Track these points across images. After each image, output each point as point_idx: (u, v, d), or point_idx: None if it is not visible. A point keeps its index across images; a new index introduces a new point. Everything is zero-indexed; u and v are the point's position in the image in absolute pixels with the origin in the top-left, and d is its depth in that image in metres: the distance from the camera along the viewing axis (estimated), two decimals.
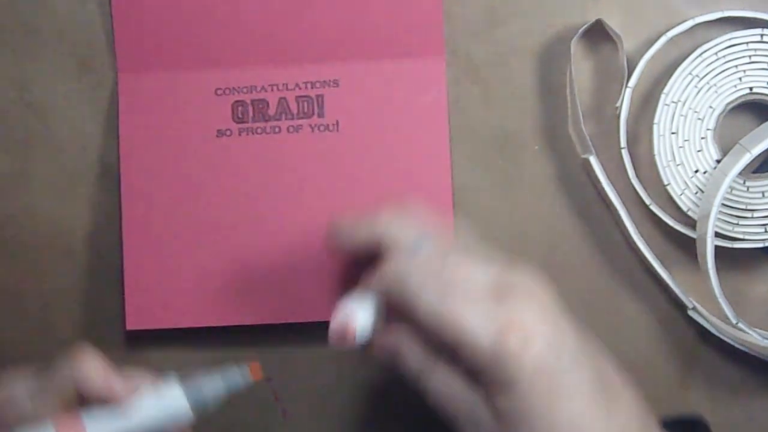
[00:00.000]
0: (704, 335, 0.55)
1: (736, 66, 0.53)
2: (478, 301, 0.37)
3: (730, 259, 0.55)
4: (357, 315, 0.42)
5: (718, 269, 0.52)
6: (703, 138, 0.54)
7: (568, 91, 0.55)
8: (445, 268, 0.39)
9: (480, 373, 0.37)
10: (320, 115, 0.55)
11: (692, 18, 0.54)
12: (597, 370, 0.39)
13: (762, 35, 0.53)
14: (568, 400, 0.37)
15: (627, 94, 0.54)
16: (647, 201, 0.55)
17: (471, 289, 0.38)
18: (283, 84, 0.55)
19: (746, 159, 0.51)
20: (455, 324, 0.37)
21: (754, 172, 0.55)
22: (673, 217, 0.55)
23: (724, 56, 0.53)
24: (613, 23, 0.55)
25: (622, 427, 0.38)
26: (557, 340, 0.38)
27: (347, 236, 0.42)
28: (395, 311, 0.41)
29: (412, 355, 0.40)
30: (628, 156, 0.55)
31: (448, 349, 0.38)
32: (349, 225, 0.42)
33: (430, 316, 0.38)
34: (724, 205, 0.53)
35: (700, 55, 0.53)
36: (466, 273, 0.38)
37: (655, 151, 0.54)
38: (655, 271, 0.55)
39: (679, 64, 0.53)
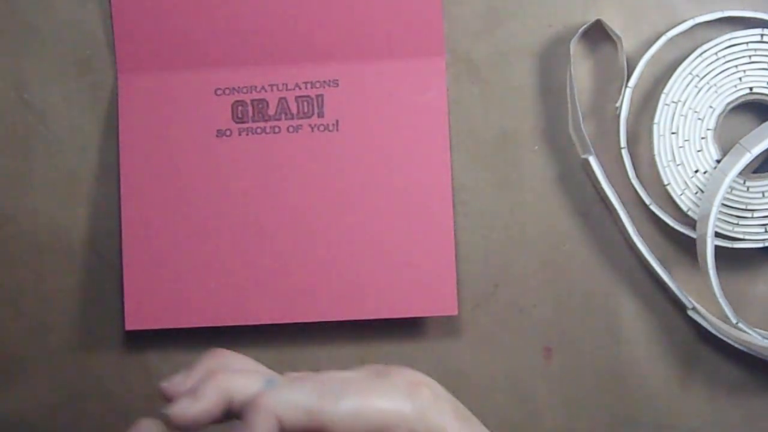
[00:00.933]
0: (704, 335, 0.55)
1: (736, 66, 0.53)
2: (372, 383, 0.38)
3: (730, 259, 0.55)
4: None
5: (718, 269, 0.52)
6: (703, 138, 0.54)
7: (568, 91, 0.55)
8: (323, 380, 0.38)
9: None
10: (320, 115, 0.55)
11: (692, 18, 0.54)
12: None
13: (762, 35, 0.53)
14: (471, 422, 0.39)
15: (627, 94, 0.54)
16: (647, 201, 0.55)
17: (358, 380, 0.38)
18: (283, 84, 0.55)
19: (746, 159, 0.51)
20: (376, 409, 0.37)
21: (754, 172, 0.55)
22: (673, 217, 0.55)
23: (724, 56, 0.53)
24: (613, 23, 0.55)
25: None
26: (442, 388, 0.40)
27: (195, 408, 0.38)
28: None
29: None
30: (628, 156, 0.55)
31: None
32: (188, 401, 0.40)
33: (346, 415, 0.37)
34: (724, 205, 0.53)
35: (700, 55, 0.53)
36: (342, 375, 0.39)
37: (655, 151, 0.54)
38: (655, 271, 0.55)
39: (679, 64, 0.53)
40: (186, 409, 0.38)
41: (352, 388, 0.37)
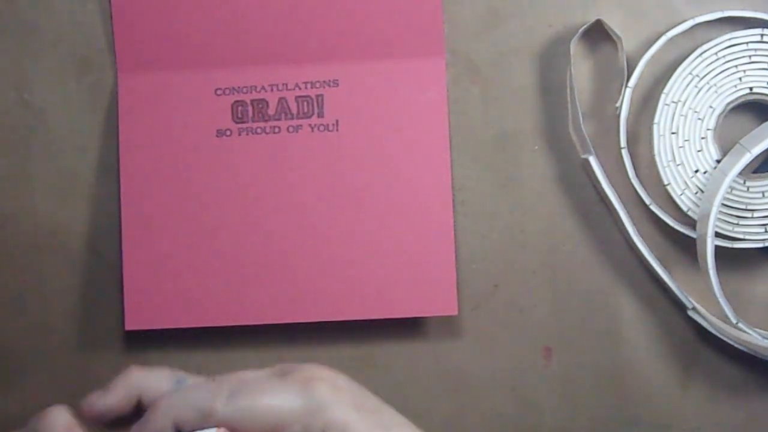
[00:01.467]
0: (704, 335, 0.55)
1: (736, 66, 0.53)
2: (266, 382, 0.39)
3: (730, 259, 0.55)
4: None
5: (718, 269, 0.52)
6: (703, 138, 0.54)
7: (568, 91, 0.55)
8: (222, 381, 0.39)
9: None
10: (320, 115, 0.55)
11: (692, 18, 0.54)
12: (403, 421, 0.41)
13: (762, 35, 0.53)
14: (377, 413, 0.39)
15: (627, 94, 0.54)
16: (647, 201, 0.55)
17: (255, 379, 0.39)
18: (283, 84, 0.55)
19: (746, 159, 0.51)
20: (266, 407, 0.38)
21: (754, 172, 0.55)
22: (673, 217, 0.55)
23: (724, 56, 0.53)
24: (613, 23, 0.55)
25: None
26: (356, 385, 0.40)
27: (103, 400, 0.40)
28: None
29: None
30: (628, 156, 0.55)
31: None
32: (100, 393, 0.41)
33: (237, 414, 0.38)
34: (724, 205, 0.53)
35: (700, 55, 0.53)
36: (242, 375, 0.40)
37: (655, 151, 0.54)
38: (655, 271, 0.55)
39: (679, 64, 0.53)
40: (95, 400, 0.40)
41: (245, 387, 0.38)
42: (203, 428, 0.38)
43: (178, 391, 0.39)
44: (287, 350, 0.57)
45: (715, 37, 0.53)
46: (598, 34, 0.55)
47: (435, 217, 0.54)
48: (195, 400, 0.39)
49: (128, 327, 0.55)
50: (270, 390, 0.38)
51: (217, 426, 0.38)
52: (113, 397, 0.40)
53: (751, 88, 0.53)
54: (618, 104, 0.55)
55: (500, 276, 0.56)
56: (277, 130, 0.55)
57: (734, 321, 0.52)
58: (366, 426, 0.38)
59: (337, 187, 0.55)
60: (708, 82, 0.53)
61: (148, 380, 0.40)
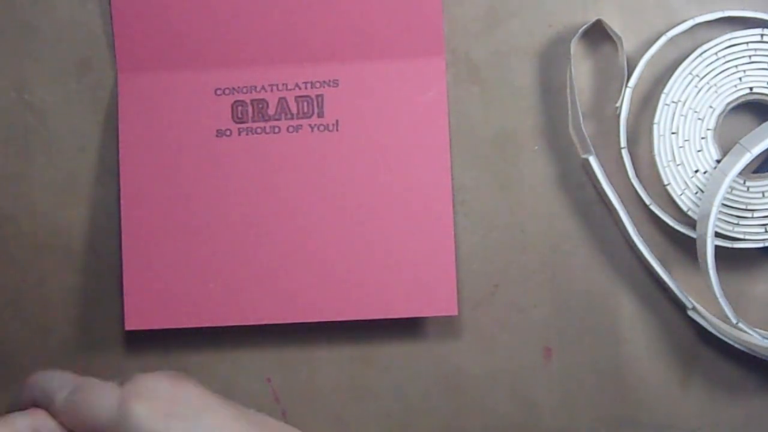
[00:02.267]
0: (704, 335, 0.55)
1: (736, 66, 0.53)
2: (103, 390, 0.42)
3: (730, 259, 0.55)
4: None
5: (718, 269, 0.52)
6: (703, 138, 0.54)
7: (568, 91, 0.55)
8: (81, 385, 0.43)
9: None
10: (320, 115, 0.55)
11: (692, 18, 0.54)
12: (246, 416, 0.43)
13: (762, 35, 0.53)
14: (192, 419, 0.41)
15: (627, 94, 0.54)
16: (647, 201, 0.55)
17: (99, 388, 0.42)
18: (283, 84, 0.55)
19: (746, 159, 0.51)
20: (87, 410, 0.41)
21: (754, 172, 0.55)
22: (673, 217, 0.55)
23: (724, 56, 0.53)
24: (613, 23, 0.55)
25: None
26: (181, 393, 0.42)
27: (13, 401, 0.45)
28: None
29: None
30: (628, 156, 0.55)
31: None
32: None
33: (68, 409, 0.42)
34: (724, 205, 0.53)
35: (701, 55, 0.53)
36: (97, 381, 0.43)
37: (655, 151, 0.54)
38: (655, 271, 0.55)
39: (679, 64, 0.53)
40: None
41: (86, 388, 0.42)
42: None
43: (42, 375, 0.44)
44: (287, 350, 0.57)
45: (715, 37, 0.53)
46: (598, 34, 0.55)
47: (435, 217, 0.54)
48: (47, 387, 0.43)
49: (128, 327, 0.55)
50: (97, 396, 0.42)
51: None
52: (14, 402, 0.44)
53: (751, 88, 0.53)
54: (618, 104, 0.55)
55: (500, 276, 0.56)
56: (277, 130, 0.55)
57: (734, 321, 0.52)
58: None
59: (337, 187, 0.55)
60: (708, 82, 0.53)
61: (43, 379, 0.44)
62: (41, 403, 0.43)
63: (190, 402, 0.42)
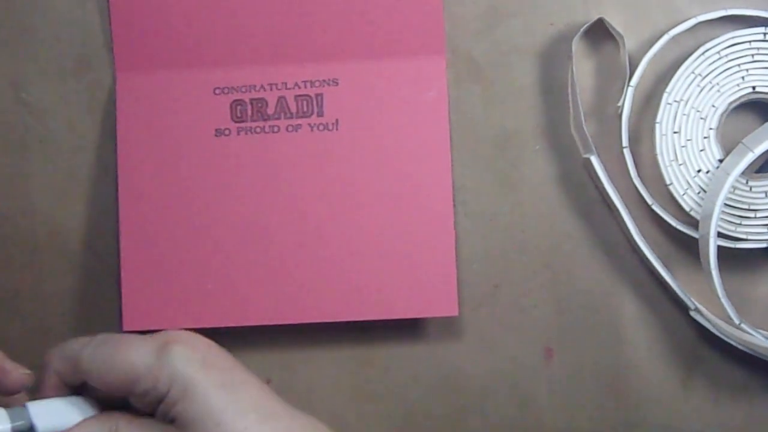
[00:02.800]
0: (706, 336, 0.55)
1: (738, 65, 0.53)
2: (129, 339, 0.42)
3: (733, 259, 0.55)
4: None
5: (720, 269, 0.52)
6: (705, 137, 0.53)
7: (569, 90, 0.55)
8: (110, 336, 0.43)
9: (155, 393, 0.40)
10: (319, 115, 0.55)
11: (695, 17, 0.54)
12: (271, 392, 0.43)
13: (765, 34, 0.53)
14: (245, 390, 0.41)
15: (629, 93, 0.54)
16: (649, 201, 0.54)
17: (131, 338, 0.42)
18: (282, 83, 0.55)
19: (749, 158, 0.51)
20: (121, 358, 0.41)
21: (756, 172, 0.55)
22: (675, 217, 0.55)
23: (726, 55, 0.53)
24: (614, 22, 0.55)
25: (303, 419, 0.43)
26: (216, 348, 0.42)
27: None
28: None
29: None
30: (630, 155, 0.54)
31: (134, 395, 0.41)
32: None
33: (97, 363, 0.41)
34: (726, 204, 0.53)
35: (703, 54, 0.53)
36: (128, 335, 0.42)
37: (657, 151, 0.53)
38: (657, 271, 0.54)
39: (681, 63, 0.53)
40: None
41: (111, 340, 0.42)
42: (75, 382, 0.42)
43: (59, 345, 0.43)
44: (287, 350, 0.56)
45: (718, 36, 0.53)
46: (599, 33, 0.55)
47: (435, 217, 0.54)
48: (67, 350, 0.43)
49: (126, 327, 0.55)
50: (129, 345, 0.41)
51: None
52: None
53: (753, 87, 0.53)
54: (620, 103, 0.54)
55: (500, 276, 0.56)
56: (276, 129, 0.55)
57: (737, 322, 0.52)
58: (210, 382, 0.40)
59: (337, 187, 0.55)
60: (710, 81, 0.53)
61: (68, 345, 0.43)
62: (66, 372, 0.42)
63: (224, 356, 0.41)
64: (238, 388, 0.40)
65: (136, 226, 0.55)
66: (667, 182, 0.54)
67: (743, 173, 0.53)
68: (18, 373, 0.43)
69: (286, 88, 0.55)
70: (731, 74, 0.53)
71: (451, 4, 0.55)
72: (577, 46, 0.55)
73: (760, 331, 0.53)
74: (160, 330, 0.42)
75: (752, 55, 0.53)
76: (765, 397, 0.56)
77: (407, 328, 0.56)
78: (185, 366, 0.40)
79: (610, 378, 0.56)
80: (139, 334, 0.42)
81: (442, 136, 0.55)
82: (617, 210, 0.54)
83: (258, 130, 0.55)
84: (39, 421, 0.41)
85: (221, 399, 0.39)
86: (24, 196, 0.57)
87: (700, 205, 0.53)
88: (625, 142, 0.54)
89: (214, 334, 0.55)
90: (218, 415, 0.39)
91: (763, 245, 0.54)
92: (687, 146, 0.54)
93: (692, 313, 0.55)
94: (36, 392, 0.43)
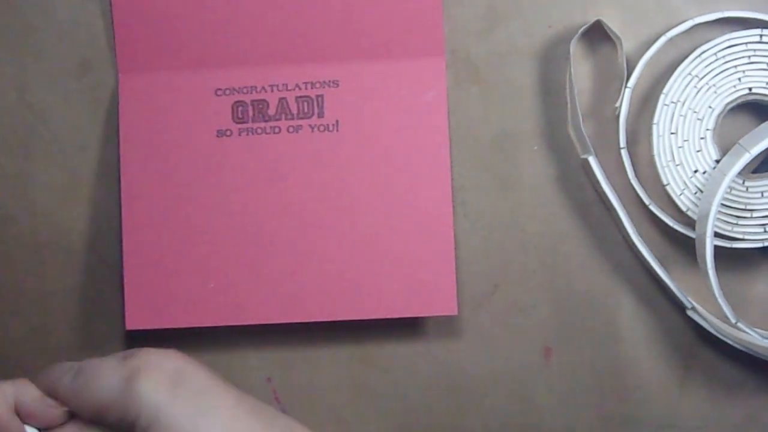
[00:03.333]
0: (703, 335, 0.55)
1: (735, 66, 0.53)
2: (107, 370, 0.42)
3: (730, 259, 0.55)
4: None
5: (717, 269, 0.52)
6: (702, 138, 0.54)
7: (567, 91, 0.55)
8: (84, 366, 0.43)
9: (126, 423, 0.41)
10: (320, 115, 0.55)
11: (691, 18, 0.54)
12: (248, 402, 0.43)
13: (761, 35, 0.53)
14: (215, 415, 0.41)
15: (626, 95, 0.54)
16: (646, 201, 0.55)
17: (102, 368, 0.42)
18: (283, 84, 0.55)
19: (745, 159, 0.51)
20: (93, 390, 0.41)
21: (753, 172, 0.55)
22: (672, 217, 0.55)
23: (723, 56, 0.53)
24: (612, 24, 0.55)
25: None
26: (188, 369, 0.42)
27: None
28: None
29: None
30: (628, 156, 0.55)
31: (107, 424, 0.42)
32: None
33: (75, 393, 0.42)
34: (723, 205, 0.53)
35: (700, 55, 0.53)
36: (98, 360, 0.43)
37: (655, 152, 0.54)
38: (654, 271, 0.55)
39: (678, 65, 0.53)
40: None
41: (83, 372, 0.42)
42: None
43: (42, 373, 0.44)
44: (287, 350, 0.57)
45: (715, 38, 0.53)
46: (597, 35, 0.55)
47: (435, 217, 0.54)
48: (47, 381, 0.43)
49: (129, 326, 0.55)
50: (98, 377, 0.41)
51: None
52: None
53: (750, 89, 0.53)
54: (617, 104, 0.55)
55: (500, 276, 0.56)
56: (277, 130, 0.55)
57: (733, 321, 0.52)
58: (178, 410, 0.40)
59: (337, 187, 0.55)
60: (707, 83, 0.53)
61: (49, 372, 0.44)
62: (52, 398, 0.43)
63: (195, 377, 0.41)
64: (208, 413, 0.40)
65: (138, 227, 0.55)
66: (665, 182, 0.54)
67: (740, 174, 0.53)
68: (59, 411, 0.44)
69: (287, 89, 0.55)
70: (728, 76, 0.53)
71: (450, 6, 0.55)
72: (575, 47, 0.55)
73: (757, 330, 0.53)
74: (138, 349, 0.42)
75: (749, 57, 0.53)
76: (761, 396, 0.56)
77: (407, 328, 0.56)
78: (152, 396, 0.40)
79: (608, 377, 0.56)
80: (116, 353, 0.43)
81: (441, 137, 0.55)
82: (615, 210, 0.54)
83: (259, 131, 0.55)
84: None
85: (189, 427, 0.40)
86: (27, 197, 0.57)
87: (696, 206, 0.54)
88: (622, 142, 0.55)
89: (214, 333, 0.56)
90: None
91: (760, 245, 0.54)
92: (684, 147, 0.54)
93: (689, 313, 0.55)
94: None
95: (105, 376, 0.41)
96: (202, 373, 0.42)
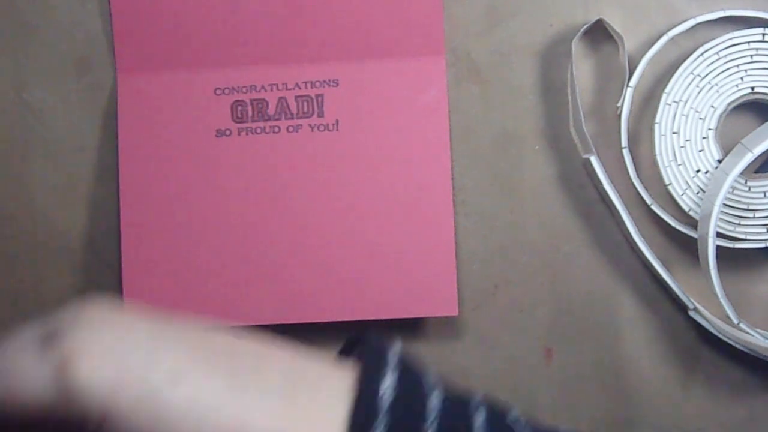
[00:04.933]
0: (705, 336, 0.55)
1: (737, 65, 0.53)
2: (29, 362, 0.33)
3: (732, 259, 0.55)
4: None
5: (719, 269, 0.52)
6: (704, 138, 0.54)
7: (569, 90, 0.55)
8: None
9: (72, 424, 0.32)
10: (320, 115, 0.55)
11: (693, 17, 0.54)
12: (197, 341, 0.34)
13: (764, 34, 0.53)
14: (173, 387, 0.32)
15: (628, 94, 0.54)
16: (648, 201, 0.54)
17: (15, 360, 0.33)
18: (283, 84, 0.55)
19: (748, 159, 0.51)
20: (21, 399, 0.32)
21: (755, 172, 0.55)
22: (674, 217, 0.55)
23: (725, 56, 0.53)
24: (614, 23, 0.55)
25: (261, 387, 0.33)
26: (126, 339, 0.33)
27: None
28: None
29: None
30: (630, 156, 0.54)
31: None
32: None
33: None
34: (725, 205, 0.53)
35: (702, 54, 0.53)
36: (6, 356, 0.33)
37: (657, 151, 0.53)
38: (656, 271, 0.54)
39: (680, 64, 0.53)
40: None
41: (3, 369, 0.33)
42: None
43: None
44: None
45: (717, 37, 0.53)
46: (599, 34, 0.55)
47: (435, 217, 0.54)
48: None
49: None
50: (21, 376, 0.32)
51: None
52: None
53: (752, 88, 0.53)
54: (619, 104, 0.54)
55: (500, 276, 0.56)
56: (276, 129, 0.55)
57: (736, 321, 0.52)
58: (132, 393, 0.31)
59: (337, 187, 0.55)
60: (709, 82, 0.53)
61: None
62: None
63: (140, 342, 0.33)
64: (164, 389, 0.31)
65: (137, 227, 0.55)
66: (666, 182, 0.54)
67: (742, 173, 0.53)
68: None
69: (287, 89, 0.55)
70: (730, 75, 0.53)
71: (450, 5, 0.55)
72: (576, 46, 0.55)
73: (759, 330, 0.53)
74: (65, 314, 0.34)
75: (751, 56, 0.53)
76: (764, 397, 0.56)
77: (407, 328, 0.56)
78: (96, 385, 0.31)
79: (609, 377, 0.56)
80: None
81: (442, 137, 0.55)
82: (616, 210, 0.54)
83: (258, 130, 0.55)
84: None
85: (149, 416, 0.31)
86: (25, 197, 0.57)
87: (699, 206, 0.53)
88: (624, 142, 0.54)
89: None
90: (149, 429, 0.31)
91: (762, 245, 0.54)
92: (686, 146, 0.54)
93: (691, 313, 0.55)
94: None
95: (28, 377, 0.32)
96: (145, 332, 0.33)
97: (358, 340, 0.38)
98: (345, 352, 0.39)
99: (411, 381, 0.35)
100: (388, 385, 0.34)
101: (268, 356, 0.35)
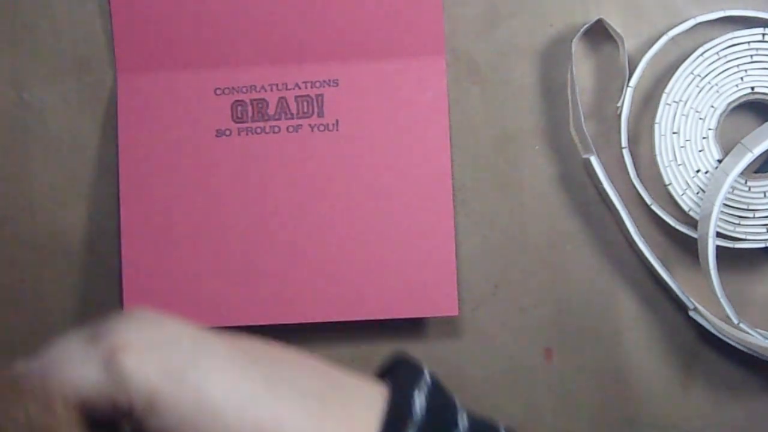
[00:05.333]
0: (705, 336, 0.55)
1: (737, 65, 0.53)
2: (75, 355, 0.35)
3: (732, 259, 0.55)
4: None
5: (719, 269, 0.52)
6: (704, 138, 0.54)
7: (569, 90, 0.55)
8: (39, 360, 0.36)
9: (119, 413, 0.34)
10: (320, 115, 0.55)
11: (693, 17, 0.54)
12: (238, 345, 0.36)
13: (763, 35, 0.53)
14: (215, 382, 0.34)
15: (628, 94, 0.54)
16: (648, 201, 0.54)
17: (65, 353, 0.35)
18: (283, 84, 0.55)
19: (748, 159, 0.51)
20: (71, 383, 0.34)
21: (755, 172, 0.55)
22: (674, 217, 0.55)
23: (725, 56, 0.53)
24: (614, 23, 0.55)
25: (297, 388, 0.35)
26: (169, 338, 0.35)
27: None
28: None
29: None
30: (629, 156, 0.54)
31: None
32: None
33: (49, 390, 0.35)
34: (725, 205, 0.53)
35: (702, 54, 0.53)
36: (59, 350, 0.35)
37: (657, 151, 0.53)
38: (656, 271, 0.54)
39: (680, 64, 0.53)
40: None
41: (54, 359, 0.35)
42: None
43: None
44: None
45: (717, 37, 0.53)
46: (599, 34, 0.55)
47: (435, 217, 0.54)
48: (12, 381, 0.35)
49: None
50: (70, 367, 0.34)
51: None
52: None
53: (752, 88, 0.53)
54: (619, 104, 0.54)
55: (500, 276, 0.56)
56: (276, 129, 0.55)
57: (736, 321, 0.52)
58: (175, 388, 0.33)
59: (337, 187, 0.55)
60: (709, 82, 0.53)
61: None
62: None
63: (181, 337, 0.35)
64: (207, 381, 0.34)
65: (137, 227, 0.55)
66: (666, 182, 0.54)
67: (742, 173, 0.53)
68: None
69: (287, 89, 0.55)
70: (730, 75, 0.53)
71: (450, 5, 0.55)
72: (576, 46, 0.55)
73: (759, 330, 0.53)
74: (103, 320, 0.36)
75: (751, 56, 0.53)
76: (764, 397, 0.56)
77: (407, 328, 0.56)
78: (142, 382, 0.33)
79: (609, 378, 0.56)
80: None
81: (441, 137, 0.55)
82: (616, 210, 0.54)
83: (258, 130, 0.55)
84: None
85: (191, 406, 0.33)
86: (25, 197, 0.57)
87: (699, 206, 0.53)
88: (624, 142, 0.54)
89: None
90: (193, 422, 0.33)
91: (762, 245, 0.54)
92: (686, 146, 0.54)
93: (691, 313, 0.55)
94: None
95: (77, 367, 0.34)
96: (185, 329, 0.35)
97: (392, 364, 0.40)
98: (380, 375, 0.41)
99: (443, 397, 0.37)
100: (422, 398, 0.36)
101: (306, 364, 0.37)
